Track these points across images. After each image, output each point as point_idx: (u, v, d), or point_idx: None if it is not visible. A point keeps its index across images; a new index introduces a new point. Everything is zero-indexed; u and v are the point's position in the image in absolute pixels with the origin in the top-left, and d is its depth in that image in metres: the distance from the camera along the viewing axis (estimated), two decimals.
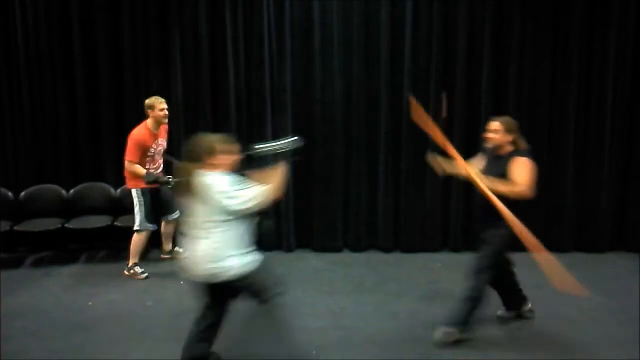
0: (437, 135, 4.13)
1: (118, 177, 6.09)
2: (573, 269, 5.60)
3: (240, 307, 3.87)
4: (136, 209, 5.46)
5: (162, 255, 5.96)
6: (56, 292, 5.18)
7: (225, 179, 3.32)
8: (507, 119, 4.10)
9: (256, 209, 3.35)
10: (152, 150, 5.46)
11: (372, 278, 5.50)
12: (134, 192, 5.46)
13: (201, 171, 3.32)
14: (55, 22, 6.14)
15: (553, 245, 6.06)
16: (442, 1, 5.96)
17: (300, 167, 6.18)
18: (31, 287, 5.26)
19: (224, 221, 3.30)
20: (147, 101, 5.47)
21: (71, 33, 6.15)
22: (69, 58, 6.19)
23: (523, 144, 4.05)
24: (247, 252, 3.43)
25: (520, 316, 4.45)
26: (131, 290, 5.18)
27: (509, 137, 3.99)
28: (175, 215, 5.62)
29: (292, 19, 6.07)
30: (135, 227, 5.47)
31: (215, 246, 3.31)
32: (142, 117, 6.09)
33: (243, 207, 3.28)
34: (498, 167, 3.97)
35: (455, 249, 6.15)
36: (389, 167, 6.19)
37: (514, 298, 4.42)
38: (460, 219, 6.14)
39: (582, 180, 6.12)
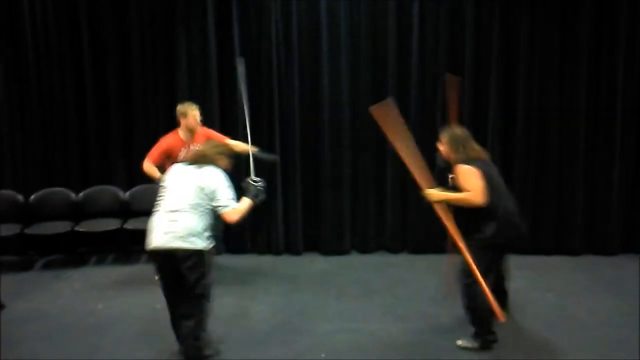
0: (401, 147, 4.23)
1: (128, 179, 6.12)
2: (584, 271, 5.65)
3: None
4: None
5: None
6: (66, 295, 5.21)
7: (225, 177, 3.73)
8: (452, 129, 4.15)
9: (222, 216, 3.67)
10: (180, 157, 5.16)
11: (380, 280, 5.48)
12: None
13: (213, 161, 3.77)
14: (65, 26, 6.19)
15: (563, 248, 6.10)
16: (450, 4, 5.95)
17: (308, 169, 6.21)
18: (41, 291, 5.29)
19: (204, 207, 3.63)
20: (179, 108, 5.29)
21: (80, 37, 6.19)
22: (78, 61, 6.23)
23: (476, 152, 4.03)
24: (210, 238, 3.69)
25: None
26: (140, 293, 5.19)
27: (454, 149, 4.03)
28: None
29: (300, 23, 6.09)
30: None
31: (190, 225, 3.58)
32: (151, 120, 6.15)
33: (224, 209, 3.63)
34: (453, 177, 4.07)
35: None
36: (397, 168, 6.18)
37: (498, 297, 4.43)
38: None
39: (592, 182, 6.08)
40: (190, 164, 3.77)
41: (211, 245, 3.71)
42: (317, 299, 5.04)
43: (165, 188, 3.76)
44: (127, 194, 6.18)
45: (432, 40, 6.01)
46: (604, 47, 5.92)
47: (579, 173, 6.03)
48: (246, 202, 3.77)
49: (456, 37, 6.01)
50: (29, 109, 6.28)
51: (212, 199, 3.62)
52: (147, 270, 5.57)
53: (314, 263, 6.06)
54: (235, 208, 3.67)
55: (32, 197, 6.12)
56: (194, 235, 3.57)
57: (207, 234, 3.66)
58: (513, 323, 4.37)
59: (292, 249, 6.31)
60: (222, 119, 6.20)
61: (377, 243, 6.34)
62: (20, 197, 6.14)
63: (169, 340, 4.18)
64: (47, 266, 6.02)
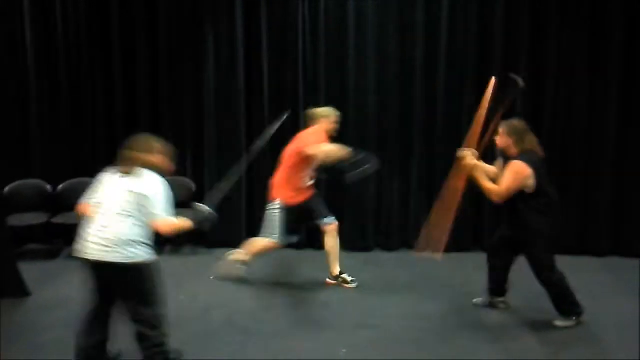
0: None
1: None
2: (610, 273, 5.56)
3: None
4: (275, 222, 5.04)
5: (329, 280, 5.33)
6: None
7: (163, 183, 3.42)
8: (510, 121, 4.20)
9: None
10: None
11: (403, 278, 5.46)
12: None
13: (146, 163, 3.43)
14: (96, 22, 6.28)
15: (589, 248, 6.02)
16: (479, 6, 5.91)
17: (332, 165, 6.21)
18: (67, 279, 5.34)
19: (140, 213, 3.34)
20: (321, 110, 5.13)
21: (110, 36, 6.27)
22: (107, 59, 6.32)
23: (531, 145, 4.11)
24: (150, 248, 3.43)
25: (492, 305, 4.61)
26: (164, 284, 5.23)
27: (510, 140, 4.10)
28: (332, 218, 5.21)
29: (327, 20, 6.09)
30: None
31: (127, 232, 3.30)
32: (176, 114, 6.16)
33: (155, 217, 3.33)
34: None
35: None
36: (422, 165, 6.16)
37: (499, 287, 4.57)
38: (493, 219, 6.07)
39: (619, 184, 5.99)
40: (123, 170, 3.43)
41: (151, 256, 3.42)
42: (339, 294, 5.04)
43: (98, 194, 3.47)
44: None
45: (461, 41, 5.98)
46: (635, 48, 5.83)
47: (606, 175, 5.97)
48: (185, 222, 3.47)
49: (485, 39, 5.98)
50: (56, 100, 6.37)
51: (145, 207, 3.31)
52: (173, 261, 5.65)
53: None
54: (167, 219, 3.36)
55: (60, 186, 6.22)
56: (128, 245, 3.30)
57: (144, 243, 3.37)
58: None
59: (315, 244, 6.30)
60: (248, 117, 6.23)
61: (401, 240, 6.32)
62: (48, 187, 6.23)
63: (192, 331, 4.22)
64: (73, 255, 6.08)
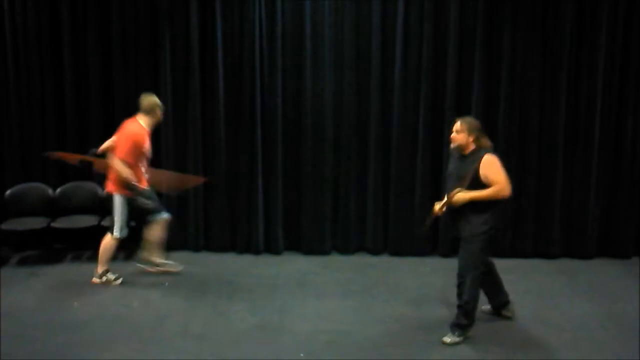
0: None
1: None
2: (563, 275, 5.70)
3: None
4: (117, 216, 5.19)
5: (147, 267, 5.54)
6: (41, 292, 5.12)
7: None
8: (468, 118, 4.22)
9: None
10: (146, 152, 5.25)
11: (360, 281, 5.48)
12: (117, 197, 5.18)
13: None
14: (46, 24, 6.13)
15: (542, 251, 6.15)
16: (433, 5, 5.95)
17: (290, 169, 6.19)
18: (16, 287, 5.19)
19: None
20: (150, 100, 5.24)
21: (61, 35, 6.13)
22: (58, 61, 6.17)
23: (486, 142, 4.15)
24: None
25: (499, 315, 4.57)
26: (117, 291, 5.13)
27: (471, 137, 4.09)
28: (164, 215, 5.41)
29: (284, 23, 6.05)
30: (115, 234, 5.19)
31: None
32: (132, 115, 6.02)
33: None
34: (463, 165, 4.10)
35: (445, 254, 6.13)
36: (379, 169, 6.18)
37: (496, 297, 4.53)
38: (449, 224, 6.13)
39: (571, 185, 6.14)
40: None
41: None
42: (297, 298, 5.01)
43: None
44: (105, 191, 6.05)
45: (416, 41, 5.99)
46: (584, 51, 5.96)
47: (557, 176, 6.09)
48: None
49: (439, 38, 6.01)
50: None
51: None
52: (125, 267, 5.54)
53: (294, 263, 6.03)
54: None
55: (8, 192, 6.04)
56: None
57: None
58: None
59: (272, 248, 6.28)
60: (203, 116, 6.17)
61: (358, 244, 6.33)
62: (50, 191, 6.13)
63: (146, 339, 4.15)
64: (22, 262, 5.92)
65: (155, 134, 6.04)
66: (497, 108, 6.02)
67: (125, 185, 5.11)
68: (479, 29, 5.94)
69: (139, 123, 5.21)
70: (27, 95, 6.19)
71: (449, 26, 5.96)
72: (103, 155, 5.33)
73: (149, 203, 5.24)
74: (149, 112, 5.24)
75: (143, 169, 5.29)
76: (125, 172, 5.07)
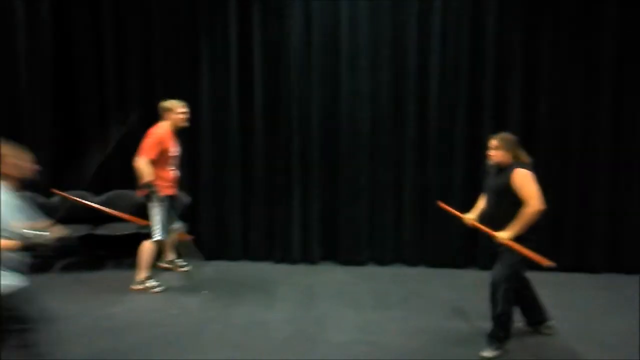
0: None
1: None
2: (605, 290, 5.56)
3: None
4: (157, 217, 5.26)
5: (162, 264, 5.83)
6: (84, 297, 5.22)
7: (13, 196, 3.11)
8: (504, 135, 4.17)
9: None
10: (172, 152, 5.33)
11: (397, 293, 5.44)
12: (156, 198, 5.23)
13: None
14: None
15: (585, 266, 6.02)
16: (471, 13, 5.94)
17: (327, 179, 6.20)
18: (60, 293, 5.30)
19: None
20: (165, 103, 5.36)
21: (104, 52, 6.30)
22: (100, 64, 6.33)
23: (525, 158, 4.11)
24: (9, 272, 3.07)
25: (538, 332, 4.46)
26: (156, 298, 5.20)
27: (509, 153, 4.06)
28: (161, 236, 5.33)
29: (321, 30, 6.12)
30: (156, 237, 5.27)
31: None
32: None
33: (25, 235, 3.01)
34: (500, 179, 4.08)
35: (483, 267, 6.04)
36: (416, 180, 6.15)
37: (533, 313, 4.44)
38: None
39: (614, 199, 6.01)
40: None
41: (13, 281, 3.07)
42: (334, 309, 5.00)
43: None
44: None
45: (453, 50, 6.00)
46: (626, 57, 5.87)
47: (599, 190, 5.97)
48: (10, 243, 2.99)
49: (477, 46, 5.99)
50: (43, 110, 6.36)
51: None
52: (165, 274, 5.62)
53: (331, 273, 6.04)
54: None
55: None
56: None
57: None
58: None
59: (308, 258, 6.29)
60: (240, 122, 6.23)
61: (395, 255, 6.30)
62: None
63: (185, 347, 4.19)
64: (66, 268, 6.07)
65: (194, 144, 6.16)
66: (536, 117, 5.95)
67: (143, 185, 5.15)
68: (516, 35, 5.90)
69: (161, 125, 5.31)
70: (67, 98, 6.38)
71: (485, 35, 5.94)
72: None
73: (157, 217, 5.25)
74: (165, 114, 5.33)
75: (171, 173, 5.36)
76: (146, 171, 5.13)
